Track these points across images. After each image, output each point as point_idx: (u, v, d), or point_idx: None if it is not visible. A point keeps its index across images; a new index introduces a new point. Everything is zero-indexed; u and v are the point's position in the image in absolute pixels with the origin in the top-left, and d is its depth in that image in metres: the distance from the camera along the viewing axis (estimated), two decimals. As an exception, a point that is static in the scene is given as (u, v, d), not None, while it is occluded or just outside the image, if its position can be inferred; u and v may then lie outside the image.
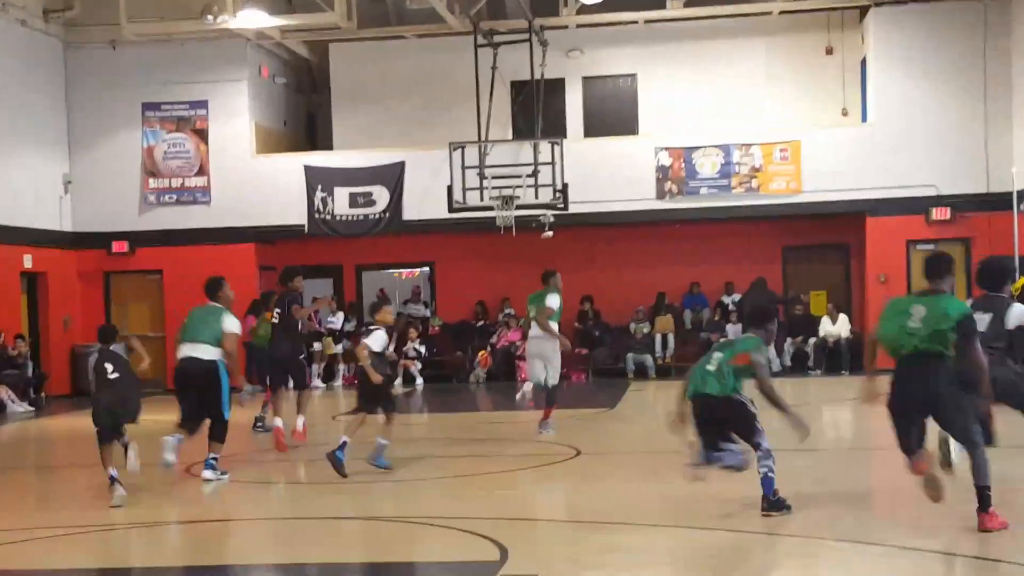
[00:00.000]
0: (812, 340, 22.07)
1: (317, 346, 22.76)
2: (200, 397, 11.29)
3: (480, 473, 11.62)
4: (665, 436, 14.25)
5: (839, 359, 21.74)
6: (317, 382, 22.74)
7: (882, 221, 21.65)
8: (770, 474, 8.78)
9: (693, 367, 9.22)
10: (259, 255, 23.27)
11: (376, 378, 11.33)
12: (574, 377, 21.52)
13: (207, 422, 11.37)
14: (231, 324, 11.49)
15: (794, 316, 22.43)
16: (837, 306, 22.38)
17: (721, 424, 8.97)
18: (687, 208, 22.05)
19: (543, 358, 14.10)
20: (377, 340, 11.46)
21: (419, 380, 22.41)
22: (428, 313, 24.03)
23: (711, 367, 8.96)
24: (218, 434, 11.46)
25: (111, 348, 11.00)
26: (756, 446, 8.85)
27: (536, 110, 22.08)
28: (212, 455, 11.43)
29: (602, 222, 22.53)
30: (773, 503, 8.84)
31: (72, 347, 22.63)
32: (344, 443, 11.18)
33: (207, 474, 11.37)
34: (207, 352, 11.35)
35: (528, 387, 14.52)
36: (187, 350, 11.42)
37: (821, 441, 12.99)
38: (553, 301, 13.93)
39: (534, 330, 14.09)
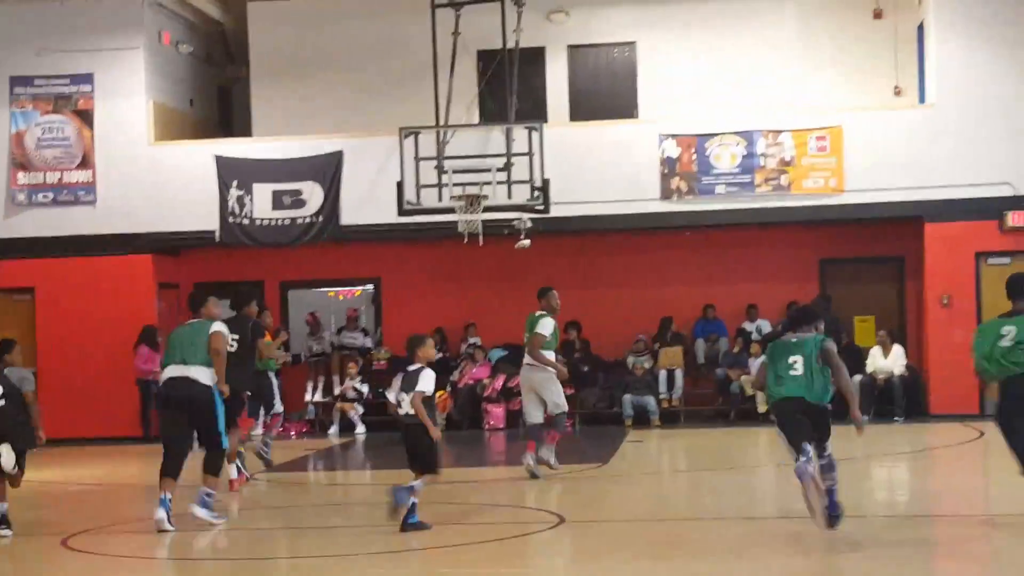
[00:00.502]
0: (857, 378, 21.94)
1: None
2: (192, 424, 12.55)
3: (433, 546, 11.43)
4: (674, 500, 14.17)
5: (890, 401, 21.64)
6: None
7: (945, 228, 21.62)
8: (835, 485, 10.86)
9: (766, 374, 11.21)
10: (158, 269, 23.08)
11: (436, 434, 11.91)
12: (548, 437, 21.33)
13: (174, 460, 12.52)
14: (218, 326, 12.89)
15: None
16: (890, 334, 22.30)
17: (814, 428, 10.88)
18: (699, 211, 21.97)
19: (535, 390, 15.38)
20: (430, 382, 11.89)
21: (360, 428, 22.21)
22: (370, 344, 23.85)
23: (796, 372, 10.86)
24: (214, 466, 12.64)
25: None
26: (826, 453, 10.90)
27: (509, 87, 21.96)
28: (206, 489, 12.51)
29: (592, 228, 22.43)
30: (836, 515, 10.78)
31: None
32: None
33: (200, 512, 12.37)
34: (200, 374, 12.46)
35: (530, 459, 15.37)
36: (174, 371, 12.52)
37: (870, 506, 12.93)
38: (546, 327, 15.30)
39: (526, 358, 15.50)
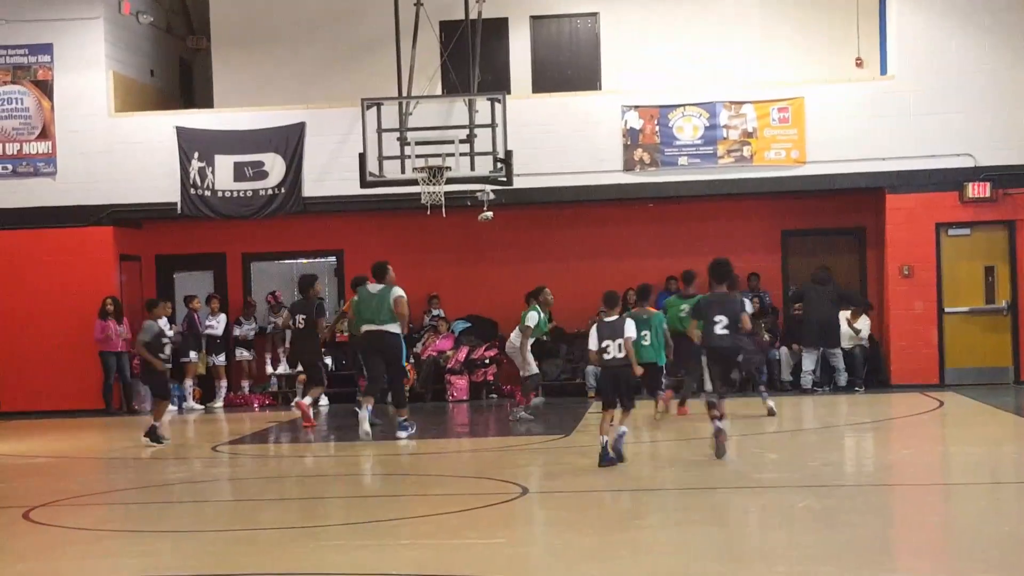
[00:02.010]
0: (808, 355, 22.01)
1: (194, 356, 22.55)
2: (387, 365, 16.94)
3: (396, 518, 11.46)
4: (636, 472, 14.25)
5: (853, 372, 21.77)
6: (191, 403, 22.53)
7: (906, 199, 21.76)
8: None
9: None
10: (119, 241, 23.03)
11: (639, 371, 14.02)
12: (519, 397, 21.40)
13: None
14: (397, 291, 16.99)
15: (793, 319, 22.46)
16: (851, 302, 22.38)
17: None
18: (662, 182, 22.03)
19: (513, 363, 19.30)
20: (633, 328, 14.01)
21: (323, 400, 22.20)
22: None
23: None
24: (400, 399, 17.14)
25: None
26: None
27: (472, 58, 21.94)
28: (402, 419, 16.92)
29: (554, 199, 22.46)
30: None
31: None
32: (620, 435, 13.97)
33: (401, 435, 16.73)
34: (391, 328, 16.84)
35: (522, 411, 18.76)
36: (370, 327, 16.89)
37: (830, 475, 13.03)
38: (531, 320, 18.55)
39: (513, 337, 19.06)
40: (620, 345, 13.66)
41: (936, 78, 21.60)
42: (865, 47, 22.87)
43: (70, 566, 10.10)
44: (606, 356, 13.75)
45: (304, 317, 19.05)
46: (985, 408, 18.61)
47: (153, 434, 17.28)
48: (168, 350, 18.74)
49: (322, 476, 14.83)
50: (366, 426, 16.84)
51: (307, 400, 18.94)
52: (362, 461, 15.93)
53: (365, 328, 17.05)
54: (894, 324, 21.90)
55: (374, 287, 17.21)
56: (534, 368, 19.09)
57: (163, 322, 22.45)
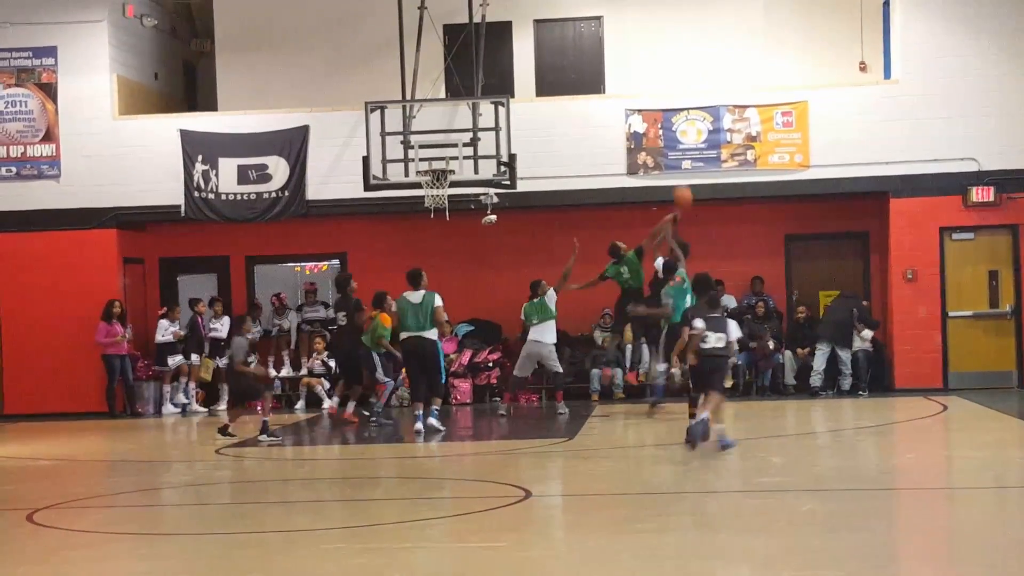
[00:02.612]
0: (821, 353, 22.03)
1: (195, 359, 22.52)
2: (424, 369, 17.81)
3: (401, 521, 11.45)
4: (639, 474, 14.25)
5: (857, 376, 21.76)
6: (195, 406, 22.50)
7: (909, 204, 21.73)
8: None
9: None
10: (123, 244, 23.01)
11: (734, 360, 16.32)
12: (523, 399, 21.40)
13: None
14: (438, 299, 17.91)
15: (797, 323, 22.46)
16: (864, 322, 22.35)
17: None
18: (665, 186, 21.95)
19: (541, 359, 19.71)
20: (737, 329, 15.58)
21: (327, 402, 22.16)
22: (333, 316, 23.74)
23: None
24: (439, 392, 18.19)
25: None
26: None
27: (476, 62, 21.94)
28: (435, 407, 17.85)
29: (558, 203, 22.44)
30: None
31: None
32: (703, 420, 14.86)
33: (433, 423, 17.68)
34: (430, 334, 17.80)
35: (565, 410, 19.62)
36: (412, 333, 17.82)
37: (834, 479, 13.02)
38: (552, 299, 19.59)
39: (534, 333, 19.56)
40: (720, 338, 15.06)
41: (940, 82, 21.57)
42: (869, 51, 22.85)
43: (73, 569, 10.11)
44: (704, 345, 15.01)
45: (344, 314, 19.90)
46: (989, 412, 18.59)
47: (225, 431, 17.94)
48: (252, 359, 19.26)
49: (325, 480, 14.82)
50: (420, 425, 17.79)
51: (348, 405, 19.62)
52: (365, 465, 15.93)
53: (406, 335, 17.96)
54: (898, 328, 21.87)
55: (415, 295, 17.99)
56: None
57: (165, 324, 22.57)
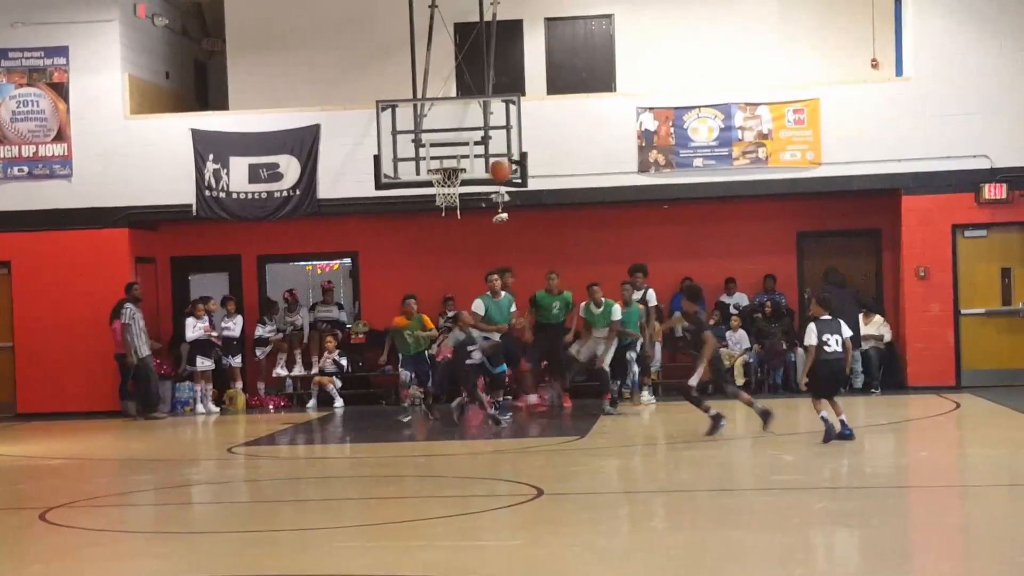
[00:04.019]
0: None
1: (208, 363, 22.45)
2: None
3: (412, 519, 11.46)
4: (650, 473, 14.24)
5: (867, 373, 21.72)
6: (210, 405, 22.46)
7: (921, 201, 21.68)
8: None
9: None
10: (135, 243, 23.02)
11: (849, 367, 16.21)
12: (537, 398, 21.36)
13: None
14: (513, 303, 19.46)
15: (807, 320, 22.38)
16: (867, 306, 22.35)
17: None
18: (677, 184, 21.98)
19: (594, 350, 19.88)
20: (849, 330, 15.60)
21: (339, 401, 22.19)
22: (345, 318, 23.77)
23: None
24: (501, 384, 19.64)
25: None
26: None
27: (486, 61, 21.93)
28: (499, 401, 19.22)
29: (569, 201, 22.42)
30: None
31: None
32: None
33: (504, 417, 18.66)
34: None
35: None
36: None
37: (847, 478, 12.98)
38: (617, 313, 19.93)
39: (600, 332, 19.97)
40: (838, 340, 15.21)
41: (952, 79, 21.51)
42: (881, 48, 22.79)
43: (87, 567, 10.12)
44: (827, 349, 15.15)
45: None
46: (1002, 410, 18.55)
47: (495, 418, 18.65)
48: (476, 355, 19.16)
49: (337, 477, 14.83)
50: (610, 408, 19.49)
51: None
52: (377, 463, 15.94)
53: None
54: (910, 326, 21.82)
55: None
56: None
57: (192, 321, 22.40)
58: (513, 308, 19.68)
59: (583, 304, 20.09)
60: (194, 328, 22.38)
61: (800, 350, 22.08)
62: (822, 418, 15.16)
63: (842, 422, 15.24)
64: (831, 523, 10.63)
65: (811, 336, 15.31)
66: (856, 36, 22.86)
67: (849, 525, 10.42)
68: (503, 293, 19.63)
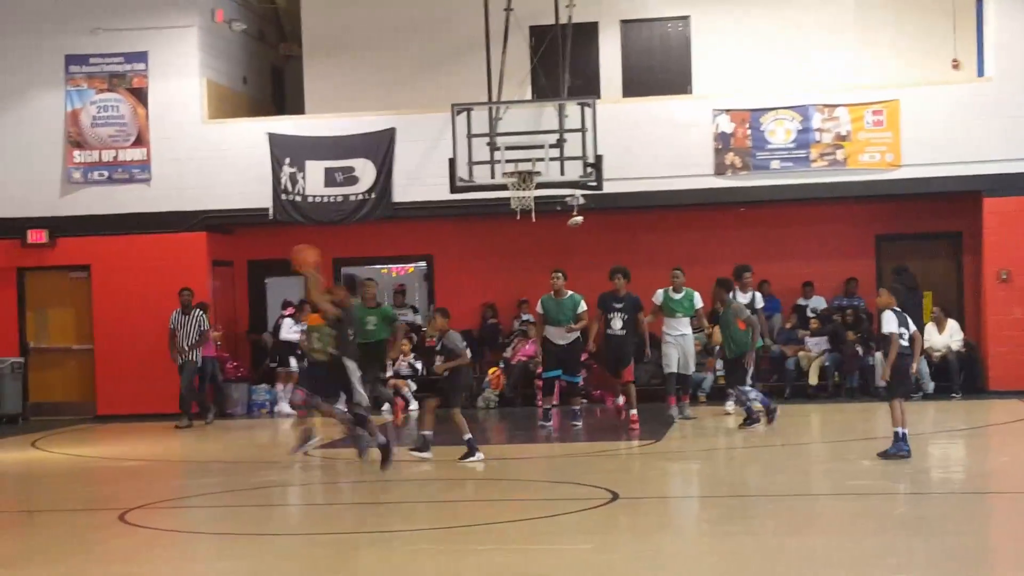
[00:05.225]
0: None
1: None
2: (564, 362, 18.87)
3: (487, 523, 11.47)
4: (727, 477, 14.17)
5: (947, 378, 21.50)
6: (284, 407, 22.57)
7: (1004, 203, 21.45)
8: None
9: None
10: (212, 247, 23.25)
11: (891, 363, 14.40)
12: (609, 401, 21.33)
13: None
14: (583, 303, 18.69)
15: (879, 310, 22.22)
16: (945, 310, 22.15)
17: None
18: (754, 187, 21.90)
19: (683, 351, 19.46)
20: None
21: (413, 404, 22.26)
22: (420, 320, 23.86)
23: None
24: (576, 391, 19.46)
25: None
26: None
27: (562, 63, 21.93)
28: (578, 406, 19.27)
29: (645, 204, 22.39)
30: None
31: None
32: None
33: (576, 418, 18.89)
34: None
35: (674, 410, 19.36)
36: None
37: (927, 483, 12.86)
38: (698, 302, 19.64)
39: (680, 327, 19.51)
40: (906, 335, 14.26)
41: (1034, 79, 21.31)
42: (962, 49, 22.58)
43: (164, 568, 10.25)
44: (903, 343, 14.17)
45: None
46: (1085, 415, 18.32)
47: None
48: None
49: (409, 481, 14.86)
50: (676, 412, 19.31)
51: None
52: (451, 466, 15.96)
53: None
54: (992, 330, 21.58)
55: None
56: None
57: (290, 323, 22.40)
58: (582, 309, 18.73)
59: (660, 291, 19.56)
60: (290, 329, 22.46)
61: (878, 354, 21.96)
62: (896, 432, 14.22)
63: (904, 435, 14.24)
64: (908, 528, 10.53)
65: (891, 323, 14.13)
66: (936, 36, 22.67)
67: (926, 531, 10.32)
68: (568, 293, 18.90)
